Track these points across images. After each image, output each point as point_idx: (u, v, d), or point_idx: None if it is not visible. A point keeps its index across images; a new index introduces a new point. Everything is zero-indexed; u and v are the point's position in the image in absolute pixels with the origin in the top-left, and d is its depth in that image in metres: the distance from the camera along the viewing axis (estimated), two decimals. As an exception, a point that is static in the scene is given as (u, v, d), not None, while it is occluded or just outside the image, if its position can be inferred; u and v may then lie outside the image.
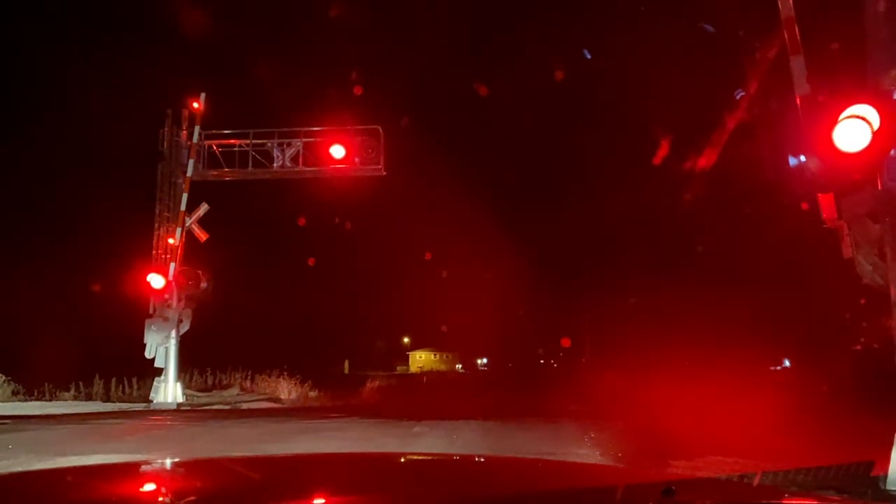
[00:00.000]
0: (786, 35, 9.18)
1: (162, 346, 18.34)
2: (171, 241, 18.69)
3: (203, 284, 19.05)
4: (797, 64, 9.02)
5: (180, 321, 18.54)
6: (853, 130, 6.63)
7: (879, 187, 6.78)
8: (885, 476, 5.23)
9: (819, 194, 8.58)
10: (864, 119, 6.58)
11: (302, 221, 22.99)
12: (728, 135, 9.29)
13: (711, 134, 9.48)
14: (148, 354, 18.24)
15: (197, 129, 19.01)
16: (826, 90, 7.44)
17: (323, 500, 2.01)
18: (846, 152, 6.67)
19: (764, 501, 2.02)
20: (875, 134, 6.50)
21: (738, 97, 9.21)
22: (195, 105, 19.05)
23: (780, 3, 9.31)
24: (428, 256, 33.94)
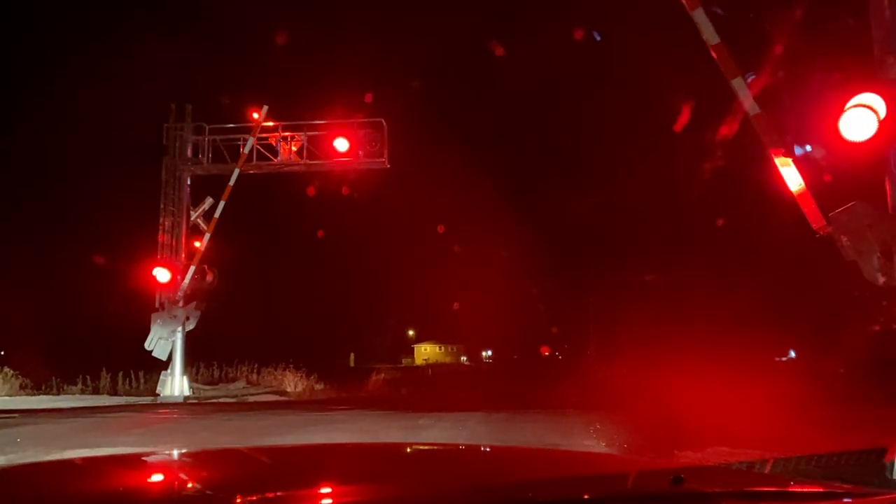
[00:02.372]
0: (718, 61, 9.28)
1: (163, 340, 18.38)
2: (197, 244, 18.80)
3: (209, 278, 19.12)
4: (738, 86, 9.12)
5: (187, 318, 18.60)
6: (859, 119, 6.61)
7: (886, 177, 6.78)
8: (893, 464, 5.22)
9: (804, 207, 8.62)
10: (870, 108, 6.56)
11: (306, 215, 22.98)
12: (741, 118, 9.29)
13: (722, 117, 9.46)
14: (147, 346, 18.28)
15: (251, 141, 18.88)
16: (833, 79, 7.41)
17: (330, 490, 2.01)
18: (852, 141, 6.65)
19: (772, 489, 2.02)
20: (882, 123, 6.47)
21: (748, 80, 9.21)
22: (255, 115, 18.98)
23: (703, 34, 9.39)
24: (438, 238, 33.76)
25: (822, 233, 8.43)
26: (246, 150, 18.83)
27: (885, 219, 6.62)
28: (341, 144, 18.56)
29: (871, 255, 6.75)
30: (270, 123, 19.00)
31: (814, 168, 7.95)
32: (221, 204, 18.89)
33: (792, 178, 8.86)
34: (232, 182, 18.83)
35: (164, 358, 18.50)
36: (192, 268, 18.57)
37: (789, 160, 8.83)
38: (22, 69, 30.15)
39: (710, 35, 9.34)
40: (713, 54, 9.31)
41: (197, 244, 18.88)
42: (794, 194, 8.78)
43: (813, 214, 8.56)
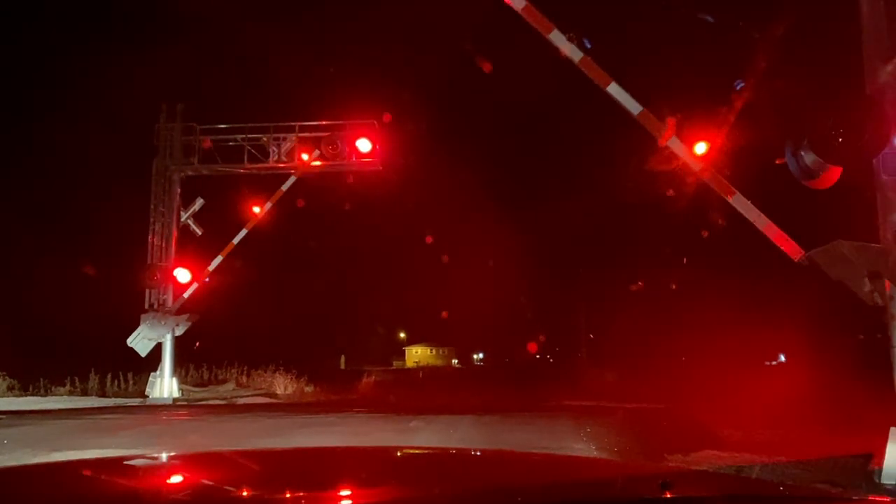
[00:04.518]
0: (647, 127, 9.55)
1: (147, 340, 18.34)
2: (209, 268, 18.89)
3: (198, 280, 19.09)
4: (675, 145, 9.38)
5: (177, 324, 18.60)
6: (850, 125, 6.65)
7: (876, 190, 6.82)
8: (881, 469, 5.25)
9: (778, 242, 8.74)
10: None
11: (297, 216, 22.88)
12: (730, 123, 9.44)
13: (711, 122, 9.59)
14: (130, 342, 18.20)
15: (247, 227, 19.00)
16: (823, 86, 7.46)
17: (320, 494, 2.01)
18: (842, 147, 6.69)
19: (760, 494, 2.02)
20: (872, 128, 6.51)
21: (738, 87, 9.34)
22: (304, 157, 19.00)
23: (627, 107, 9.61)
24: (429, 240, 33.66)
25: (802, 262, 8.56)
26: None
27: (868, 251, 6.71)
28: (333, 146, 18.51)
29: (860, 279, 6.84)
30: (306, 162, 19.01)
31: (802, 175, 7.99)
32: (243, 232, 19.04)
33: (754, 214, 9.11)
34: (261, 212, 19.03)
35: (143, 354, 18.43)
36: (195, 284, 18.64)
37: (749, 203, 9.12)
38: (11, 70, 29.95)
39: (631, 106, 9.67)
40: (640, 121, 9.64)
41: (210, 267, 19.01)
42: (761, 229, 8.99)
43: (788, 246, 8.73)
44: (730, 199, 9.30)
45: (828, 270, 7.33)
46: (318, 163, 18.98)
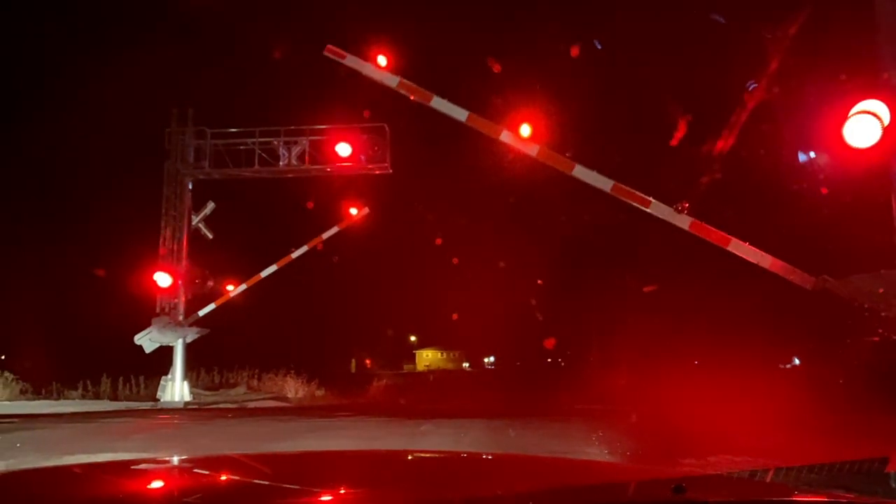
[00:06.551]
0: (621, 197, 9.70)
1: (154, 341, 18.47)
2: (230, 287, 19.20)
3: (210, 284, 19.18)
4: (657, 209, 9.48)
5: (186, 334, 18.76)
6: (863, 126, 6.60)
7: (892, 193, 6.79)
8: (896, 474, 5.19)
9: (787, 275, 8.73)
10: (874, 115, 6.55)
11: (308, 219, 23.00)
12: (741, 123, 9.42)
13: (723, 121, 9.57)
14: (137, 339, 18.29)
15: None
16: (837, 85, 7.42)
17: (330, 497, 2.00)
18: (856, 148, 6.64)
19: (774, 499, 1.99)
20: (886, 129, 6.46)
21: (750, 88, 9.32)
22: (352, 211, 19.81)
23: (598, 185, 9.74)
24: (440, 244, 33.73)
25: (816, 290, 8.54)
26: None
27: (882, 278, 6.71)
28: (343, 149, 18.53)
29: (880, 300, 6.84)
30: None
31: (815, 176, 7.95)
32: (273, 267, 19.55)
33: (756, 255, 9.12)
34: (296, 254, 19.58)
35: (147, 351, 18.59)
36: (212, 305, 18.87)
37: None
38: (23, 74, 30.23)
39: (602, 184, 9.81)
40: (615, 194, 9.78)
41: (230, 287, 19.33)
42: (767, 267, 8.99)
43: (798, 277, 8.72)
44: (728, 247, 9.36)
45: (846, 297, 7.33)
46: (355, 210, 19.80)
